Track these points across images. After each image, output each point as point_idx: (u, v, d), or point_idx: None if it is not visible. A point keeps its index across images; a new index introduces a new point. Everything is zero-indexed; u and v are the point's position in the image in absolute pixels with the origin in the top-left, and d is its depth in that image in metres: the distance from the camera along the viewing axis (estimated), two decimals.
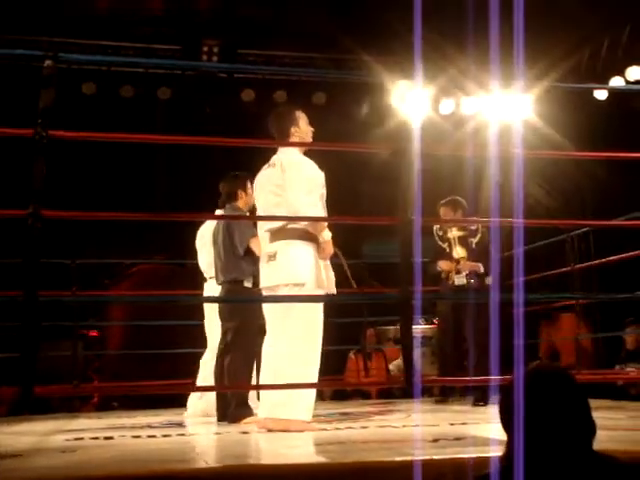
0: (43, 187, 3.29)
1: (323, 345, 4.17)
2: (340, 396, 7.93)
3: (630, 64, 8.81)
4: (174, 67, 9.04)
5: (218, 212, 5.39)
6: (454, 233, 6.16)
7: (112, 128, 4.29)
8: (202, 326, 5.72)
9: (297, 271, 4.08)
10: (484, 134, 8.84)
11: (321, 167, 4.26)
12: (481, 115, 9.23)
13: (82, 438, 3.90)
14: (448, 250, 6.16)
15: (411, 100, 8.97)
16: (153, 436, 3.98)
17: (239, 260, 4.93)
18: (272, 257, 4.18)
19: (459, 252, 6.10)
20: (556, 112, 9.03)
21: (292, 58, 9.07)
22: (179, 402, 6.32)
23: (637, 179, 7.64)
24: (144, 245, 8.96)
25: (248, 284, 4.93)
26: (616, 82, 8.86)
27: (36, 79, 3.60)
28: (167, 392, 6.94)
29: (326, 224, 4.24)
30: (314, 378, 4.07)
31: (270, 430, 4.02)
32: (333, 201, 4.30)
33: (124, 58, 8.71)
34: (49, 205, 3.35)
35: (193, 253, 5.93)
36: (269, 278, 4.22)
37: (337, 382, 8.06)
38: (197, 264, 5.84)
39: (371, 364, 8.25)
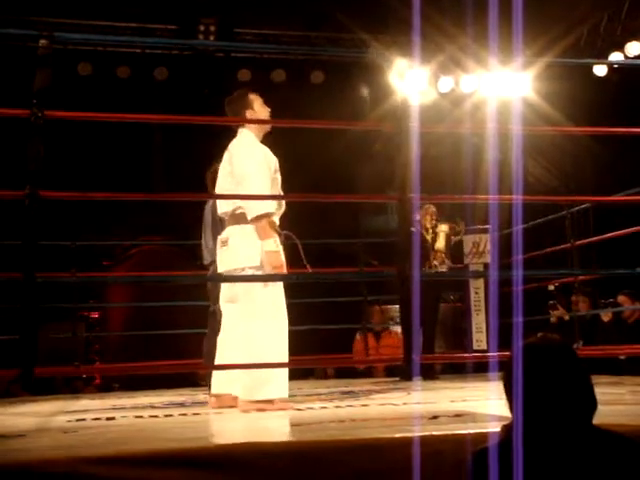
0: (40, 168, 3.28)
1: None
2: (344, 375, 7.91)
3: (629, 39, 8.76)
4: (171, 46, 8.98)
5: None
6: (442, 229, 6.94)
7: (109, 109, 4.25)
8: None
9: (250, 254, 4.06)
10: (483, 112, 8.80)
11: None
12: (480, 93, 9.19)
13: (84, 419, 3.90)
14: (431, 241, 6.89)
15: (409, 78, 8.92)
16: (155, 416, 3.99)
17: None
18: (225, 243, 4.22)
19: (440, 245, 6.90)
20: (555, 89, 8.99)
21: (289, 37, 9.01)
22: (181, 382, 6.33)
23: (636, 154, 7.62)
24: (144, 226, 8.95)
25: None
26: (615, 58, 8.81)
27: (32, 59, 3.58)
28: (169, 372, 6.95)
29: (270, 214, 4.07)
30: (284, 357, 4.02)
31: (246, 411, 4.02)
32: (329, 179, 4.29)
33: (120, 37, 8.63)
34: (47, 186, 3.34)
35: (192, 234, 5.89)
36: (225, 263, 4.23)
37: (339, 360, 8.03)
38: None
39: (380, 343, 8.19)
